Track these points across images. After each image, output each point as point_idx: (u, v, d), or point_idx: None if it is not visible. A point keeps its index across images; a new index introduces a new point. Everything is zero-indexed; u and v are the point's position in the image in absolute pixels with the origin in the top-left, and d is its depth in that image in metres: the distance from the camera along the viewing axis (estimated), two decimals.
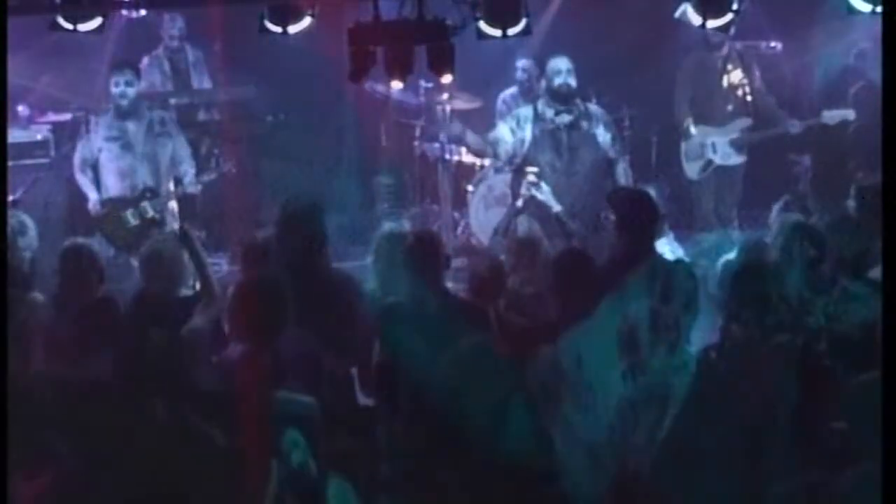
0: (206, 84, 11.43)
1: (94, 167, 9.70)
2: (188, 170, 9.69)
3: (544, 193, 8.47)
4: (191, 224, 7.78)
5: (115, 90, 9.54)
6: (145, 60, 10.85)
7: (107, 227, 9.47)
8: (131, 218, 9.41)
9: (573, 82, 8.87)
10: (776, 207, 10.04)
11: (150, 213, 9.45)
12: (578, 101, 9.02)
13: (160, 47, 11.28)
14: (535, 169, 8.60)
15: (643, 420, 4.07)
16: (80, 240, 7.77)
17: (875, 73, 9.53)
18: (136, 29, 11.47)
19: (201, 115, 11.19)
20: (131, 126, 9.50)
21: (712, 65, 10.44)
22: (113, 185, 9.51)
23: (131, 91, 9.57)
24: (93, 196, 9.58)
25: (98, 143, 9.63)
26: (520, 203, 8.51)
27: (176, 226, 9.29)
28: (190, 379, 5.26)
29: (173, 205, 9.67)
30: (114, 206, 9.48)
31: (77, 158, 9.77)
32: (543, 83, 9.17)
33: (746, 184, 10.65)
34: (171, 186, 9.60)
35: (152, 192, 9.51)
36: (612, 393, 3.31)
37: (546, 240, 7.51)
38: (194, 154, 10.05)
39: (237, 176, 10.13)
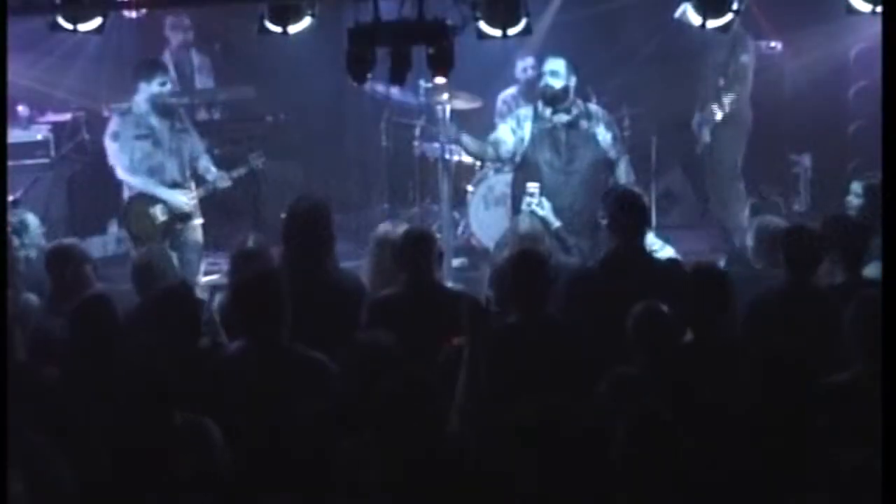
0: (209, 85, 11.44)
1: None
2: (208, 165, 9.61)
3: (545, 209, 8.47)
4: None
5: (154, 90, 9.32)
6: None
7: (133, 223, 9.40)
8: (160, 214, 9.35)
9: (559, 84, 8.81)
10: (747, 209, 10.21)
11: (180, 209, 9.36)
12: (579, 100, 9.00)
13: (166, 51, 11.30)
14: (535, 185, 8.57)
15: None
16: (67, 241, 7.78)
17: (875, 73, 9.53)
18: (140, 30, 11.49)
19: (201, 115, 11.20)
20: (157, 123, 9.39)
21: None
22: (143, 182, 9.36)
23: (166, 90, 9.47)
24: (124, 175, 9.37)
25: (129, 142, 9.40)
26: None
27: (198, 221, 9.32)
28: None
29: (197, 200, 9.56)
30: (141, 201, 9.36)
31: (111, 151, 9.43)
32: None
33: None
34: (195, 181, 9.53)
35: (181, 187, 9.43)
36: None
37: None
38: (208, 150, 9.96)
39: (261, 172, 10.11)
